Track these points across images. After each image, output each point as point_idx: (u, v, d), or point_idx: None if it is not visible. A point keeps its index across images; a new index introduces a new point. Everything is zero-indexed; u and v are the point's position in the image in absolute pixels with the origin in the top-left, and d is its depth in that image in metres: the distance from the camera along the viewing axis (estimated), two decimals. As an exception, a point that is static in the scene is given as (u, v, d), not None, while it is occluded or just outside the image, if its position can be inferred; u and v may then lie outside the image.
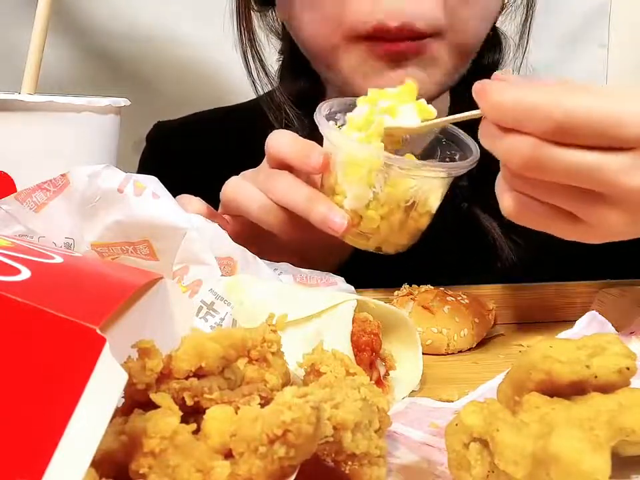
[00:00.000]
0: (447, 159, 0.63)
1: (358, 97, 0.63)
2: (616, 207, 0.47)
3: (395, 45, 0.69)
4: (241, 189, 0.63)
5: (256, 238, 0.63)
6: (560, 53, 1.31)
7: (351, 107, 0.62)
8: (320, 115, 0.60)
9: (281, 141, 0.62)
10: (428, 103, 0.59)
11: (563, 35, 1.31)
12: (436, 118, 0.58)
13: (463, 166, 0.58)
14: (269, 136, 0.64)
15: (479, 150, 0.59)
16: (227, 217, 0.66)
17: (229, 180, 0.65)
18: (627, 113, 0.45)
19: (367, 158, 0.56)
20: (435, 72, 0.72)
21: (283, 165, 0.62)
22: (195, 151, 0.93)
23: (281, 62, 0.89)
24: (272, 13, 0.86)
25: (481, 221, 0.78)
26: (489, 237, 0.77)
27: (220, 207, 0.66)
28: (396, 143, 0.58)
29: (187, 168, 0.89)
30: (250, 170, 0.66)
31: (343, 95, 0.78)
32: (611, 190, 0.46)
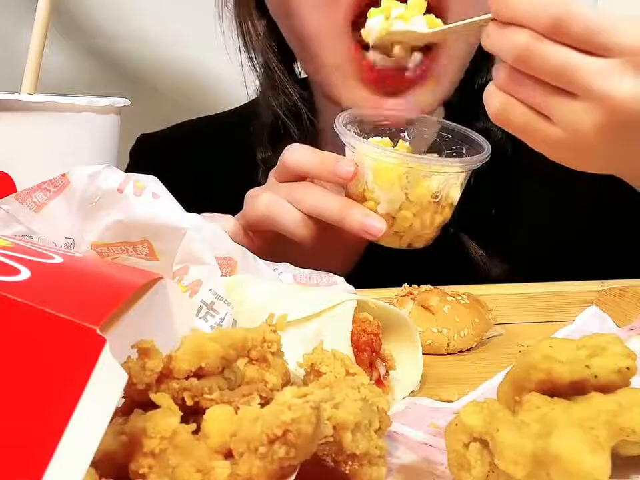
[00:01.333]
0: (454, 154, 0.66)
1: (362, 109, 0.66)
2: (586, 108, 0.50)
3: (387, 77, 0.68)
4: (276, 204, 0.64)
5: (277, 252, 0.63)
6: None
7: (357, 119, 0.65)
8: (340, 125, 0.62)
9: (300, 154, 0.63)
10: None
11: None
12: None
13: (480, 159, 0.62)
14: (286, 150, 0.64)
15: (489, 145, 0.63)
16: (250, 234, 0.66)
17: (259, 196, 0.65)
18: (614, 25, 0.49)
19: (396, 163, 0.59)
20: (439, 89, 0.72)
21: (301, 178, 0.63)
22: (180, 163, 0.92)
23: (259, 79, 0.87)
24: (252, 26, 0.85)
25: (467, 248, 0.79)
26: (473, 263, 0.78)
27: (243, 222, 0.66)
28: (406, 50, 0.62)
29: (171, 181, 0.88)
30: (258, 187, 0.67)
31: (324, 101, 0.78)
32: (585, 91, 0.50)
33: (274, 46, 0.82)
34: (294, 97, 0.82)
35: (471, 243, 0.79)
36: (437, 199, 0.61)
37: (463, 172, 0.61)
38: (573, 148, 0.53)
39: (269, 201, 0.64)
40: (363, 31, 0.61)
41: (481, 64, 0.81)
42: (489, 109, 0.55)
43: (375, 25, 0.61)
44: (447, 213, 0.63)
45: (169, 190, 0.54)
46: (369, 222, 0.60)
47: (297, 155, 0.64)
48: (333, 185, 0.64)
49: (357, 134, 0.65)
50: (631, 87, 0.49)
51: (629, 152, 0.54)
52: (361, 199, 0.62)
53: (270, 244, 0.65)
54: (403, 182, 0.59)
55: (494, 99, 0.54)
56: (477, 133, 0.65)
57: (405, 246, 0.64)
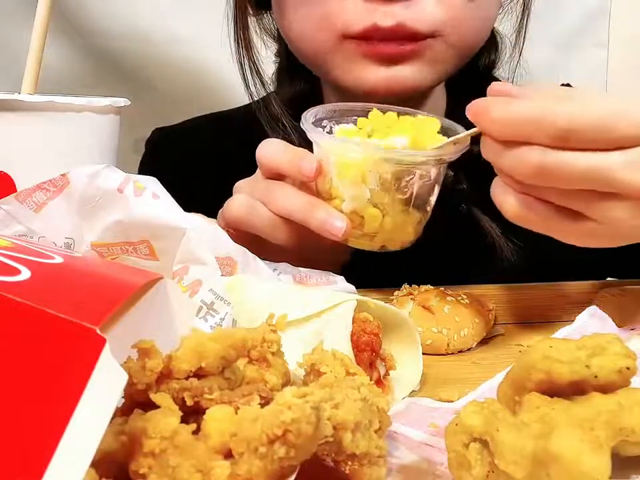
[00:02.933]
0: None
1: (345, 102, 0.64)
2: (622, 202, 0.48)
3: (387, 46, 0.69)
4: (248, 207, 0.63)
5: (261, 251, 0.62)
6: (559, 53, 1.31)
7: (336, 114, 0.63)
8: (307, 122, 0.60)
9: (272, 150, 0.62)
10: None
11: (563, 35, 1.31)
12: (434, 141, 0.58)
13: (449, 153, 0.57)
14: (259, 146, 0.63)
15: (468, 139, 0.59)
16: (232, 232, 0.65)
17: (232, 198, 0.65)
18: (616, 116, 0.47)
19: (359, 156, 0.56)
20: (432, 71, 0.72)
21: (277, 174, 0.62)
22: (194, 157, 0.93)
23: (277, 65, 0.88)
24: (267, 16, 0.86)
25: (480, 222, 0.78)
26: (488, 238, 0.77)
27: (222, 223, 0.65)
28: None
29: (186, 173, 0.88)
30: (243, 180, 0.66)
31: (341, 96, 0.78)
32: (617, 187, 0.48)
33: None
34: (305, 87, 0.82)
35: (484, 217, 0.77)
36: (406, 195, 0.58)
37: (432, 165, 0.57)
38: (607, 236, 0.51)
39: (241, 202, 0.63)
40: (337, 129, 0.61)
41: (486, 44, 0.80)
42: (504, 210, 0.52)
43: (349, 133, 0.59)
44: (422, 211, 0.60)
45: (183, 181, 0.53)
46: (331, 220, 0.58)
47: (267, 149, 0.63)
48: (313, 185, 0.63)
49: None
50: None
51: None
52: (328, 197, 0.59)
53: (251, 244, 0.64)
54: (367, 176, 0.56)
55: (508, 199, 0.51)
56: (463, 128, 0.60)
57: (377, 248, 0.61)
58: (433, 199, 0.60)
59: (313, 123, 0.61)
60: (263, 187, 0.63)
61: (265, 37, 0.87)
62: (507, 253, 0.76)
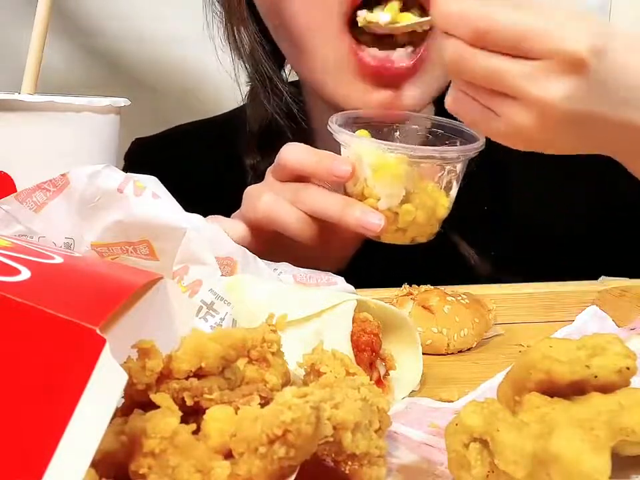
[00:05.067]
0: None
1: (357, 108, 0.67)
2: (522, 109, 0.52)
3: (386, 68, 0.69)
4: (277, 205, 0.64)
5: (276, 250, 0.63)
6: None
7: (350, 121, 0.65)
8: (334, 124, 0.62)
9: (298, 153, 0.63)
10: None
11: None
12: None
13: (477, 147, 0.62)
14: (283, 149, 0.64)
15: (484, 136, 0.63)
16: (251, 231, 0.66)
17: (261, 197, 0.65)
18: (535, 28, 0.50)
19: (395, 156, 0.59)
20: (429, 90, 0.72)
21: (300, 177, 0.63)
22: (174, 167, 0.91)
23: (250, 86, 0.86)
24: (242, 33, 0.83)
25: (458, 247, 0.79)
26: (467, 262, 0.79)
27: (245, 220, 0.66)
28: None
29: (167, 184, 0.88)
30: (256, 185, 0.67)
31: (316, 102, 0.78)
32: (515, 93, 0.52)
33: (264, 51, 0.82)
34: (286, 97, 0.81)
35: (462, 242, 0.79)
36: (436, 191, 0.61)
37: (460, 160, 0.62)
38: (522, 140, 0.55)
39: (270, 201, 0.64)
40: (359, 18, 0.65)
41: None
42: (445, 102, 0.57)
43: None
44: (448, 204, 0.63)
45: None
46: (366, 218, 0.60)
47: (293, 153, 0.64)
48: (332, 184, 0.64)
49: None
50: (558, 88, 0.50)
51: (579, 144, 0.56)
52: (361, 197, 0.62)
53: (270, 243, 0.65)
54: (403, 175, 0.59)
55: (449, 92, 0.57)
56: (471, 130, 0.65)
57: (409, 241, 0.63)
58: (454, 192, 0.63)
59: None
60: (290, 188, 0.64)
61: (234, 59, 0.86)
62: (487, 274, 0.77)
